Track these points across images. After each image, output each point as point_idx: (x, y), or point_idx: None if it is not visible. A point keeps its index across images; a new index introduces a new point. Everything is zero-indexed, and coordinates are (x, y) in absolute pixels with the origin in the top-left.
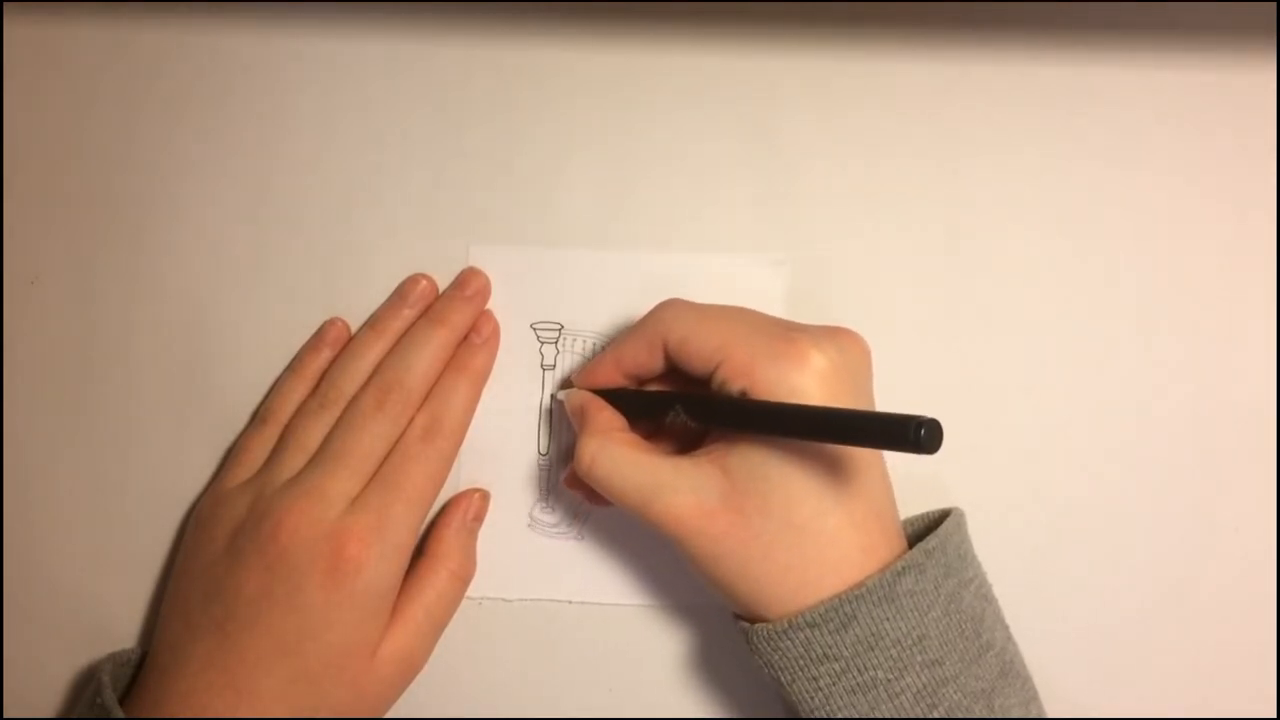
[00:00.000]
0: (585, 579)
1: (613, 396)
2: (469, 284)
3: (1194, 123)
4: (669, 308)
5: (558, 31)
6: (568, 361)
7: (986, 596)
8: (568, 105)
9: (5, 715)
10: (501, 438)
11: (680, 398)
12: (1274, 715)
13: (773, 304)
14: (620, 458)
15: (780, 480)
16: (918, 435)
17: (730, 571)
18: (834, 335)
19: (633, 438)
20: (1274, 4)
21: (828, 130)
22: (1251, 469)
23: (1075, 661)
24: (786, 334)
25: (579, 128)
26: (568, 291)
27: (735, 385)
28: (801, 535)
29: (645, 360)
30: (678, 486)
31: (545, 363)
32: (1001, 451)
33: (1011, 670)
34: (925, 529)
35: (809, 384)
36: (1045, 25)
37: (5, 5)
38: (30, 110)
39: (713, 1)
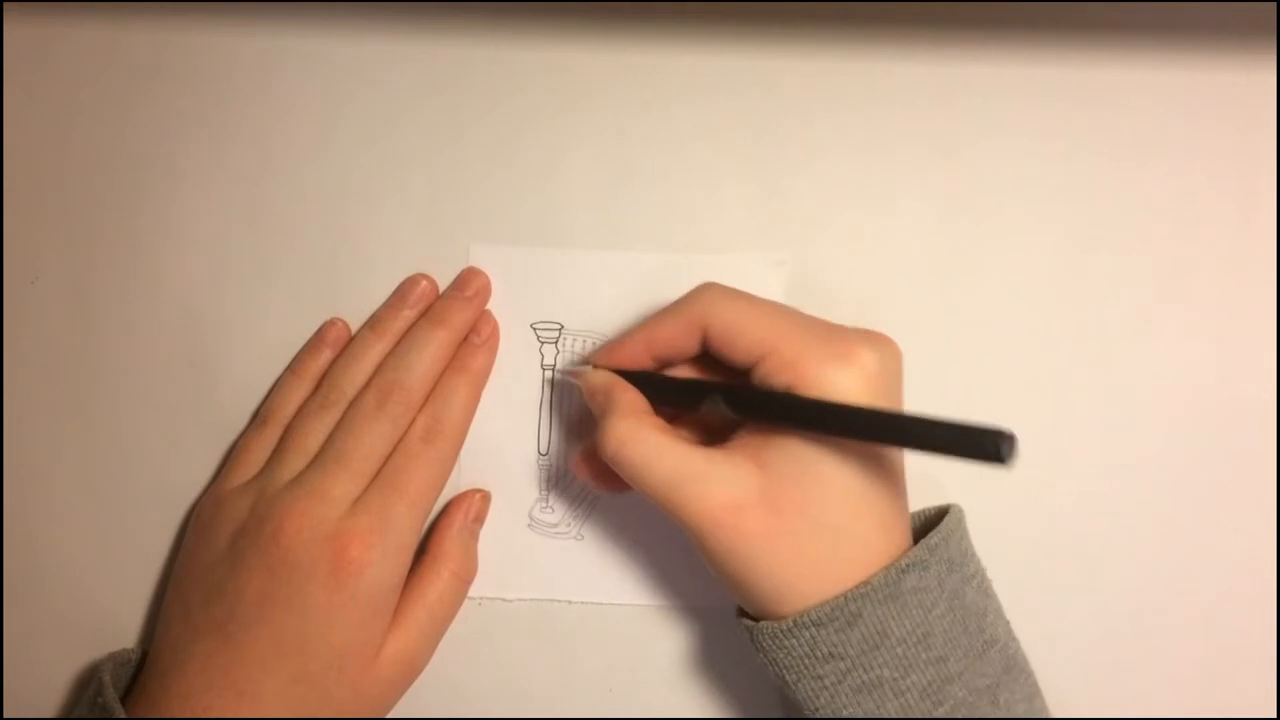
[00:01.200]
0: (585, 579)
1: (638, 380)
2: (469, 284)
3: (1194, 123)
4: (711, 291)
5: (558, 31)
6: (567, 362)
7: (987, 592)
8: (568, 105)
9: (5, 715)
10: (501, 438)
11: (721, 388)
12: (1274, 715)
13: None
14: (651, 442)
15: (819, 480)
16: (997, 447)
17: (756, 570)
18: (874, 338)
19: (662, 423)
20: (1274, 4)
21: (828, 130)
22: (1251, 469)
23: (1075, 661)
24: (834, 333)
25: (579, 127)
26: (568, 291)
27: (780, 379)
28: (836, 536)
29: (681, 343)
30: (710, 477)
31: (545, 363)
32: None
33: (1015, 665)
34: (925, 525)
35: (856, 385)
36: (1045, 25)
37: (5, 5)
38: (30, 110)
39: (713, 1)
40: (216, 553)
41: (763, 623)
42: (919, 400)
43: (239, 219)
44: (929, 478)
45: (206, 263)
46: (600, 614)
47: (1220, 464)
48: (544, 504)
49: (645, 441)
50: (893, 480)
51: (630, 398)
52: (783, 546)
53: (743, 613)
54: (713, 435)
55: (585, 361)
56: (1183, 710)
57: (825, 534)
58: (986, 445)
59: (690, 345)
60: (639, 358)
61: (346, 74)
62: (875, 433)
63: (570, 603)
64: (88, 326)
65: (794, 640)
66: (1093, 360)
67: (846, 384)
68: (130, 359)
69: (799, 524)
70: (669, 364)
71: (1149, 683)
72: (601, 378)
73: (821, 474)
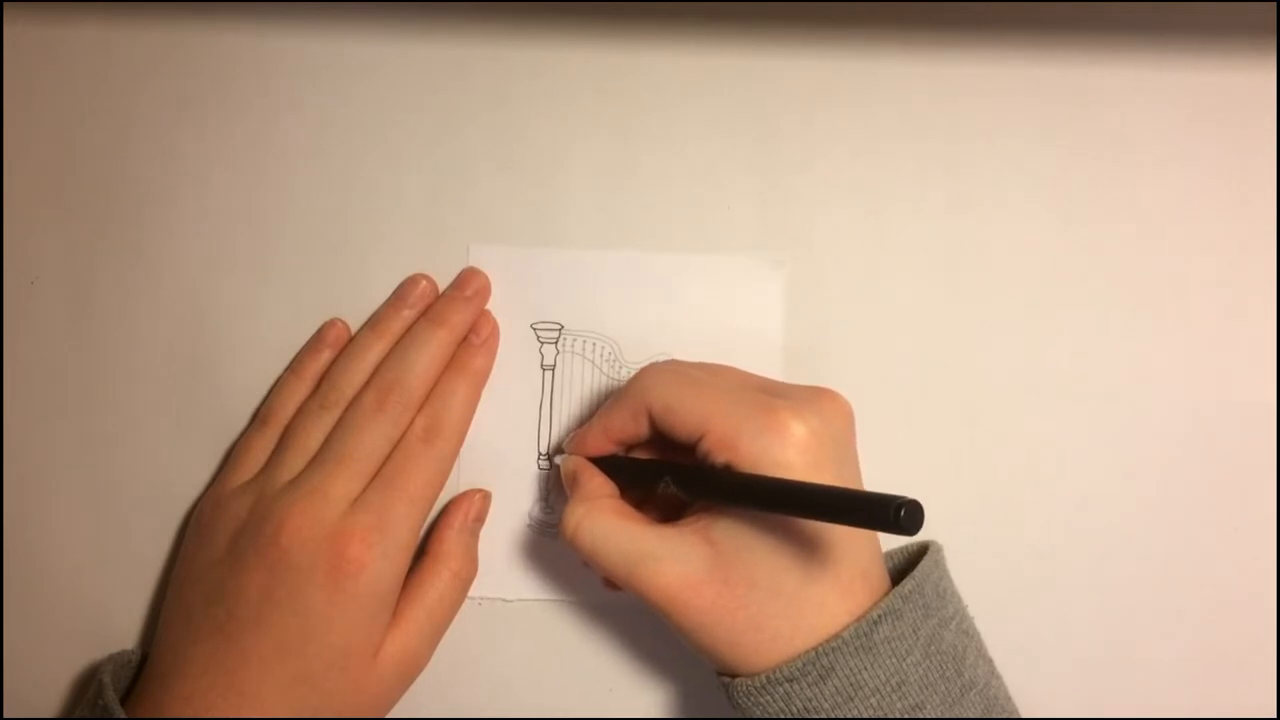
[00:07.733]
0: (585, 579)
1: (605, 463)
2: (469, 284)
3: (1194, 123)
4: (650, 374)
5: (558, 30)
6: (568, 361)
7: (968, 632)
8: (567, 104)
9: (5, 715)
10: (501, 438)
11: (669, 469)
12: (1274, 715)
13: (773, 304)
14: (605, 525)
15: (766, 551)
16: (898, 516)
17: (717, 640)
18: (815, 400)
19: (619, 505)
20: (1274, 4)
21: (828, 130)
22: (1251, 469)
23: (1075, 661)
24: (768, 403)
25: (579, 127)
26: (568, 291)
27: (719, 457)
28: (789, 604)
29: (631, 428)
30: (662, 556)
31: (545, 363)
32: (1003, 449)
33: (995, 706)
34: (906, 562)
35: (792, 456)
36: (1045, 25)
37: (5, 5)
38: (30, 110)
39: (715, 1)
40: (216, 553)
41: (739, 679)
42: (920, 401)
43: (239, 219)
44: (932, 477)
45: (206, 263)
46: (600, 614)
47: (1220, 464)
48: (543, 504)
49: (598, 525)
50: (847, 542)
51: (595, 483)
52: (739, 618)
53: (721, 671)
54: (677, 512)
55: (561, 450)
56: (1183, 710)
57: (778, 602)
58: (889, 514)
59: (640, 430)
60: (602, 444)
61: (346, 74)
62: (793, 507)
63: (570, 603)
64: (88, 326)
65: (769, 696)
66: (1093, 359)
67: (782, 457)
68: (130, 359)
69: (752, 595)
70: (634, 446)
71: (1149, 683)
72: (570, 464)
73: (767, 545)
